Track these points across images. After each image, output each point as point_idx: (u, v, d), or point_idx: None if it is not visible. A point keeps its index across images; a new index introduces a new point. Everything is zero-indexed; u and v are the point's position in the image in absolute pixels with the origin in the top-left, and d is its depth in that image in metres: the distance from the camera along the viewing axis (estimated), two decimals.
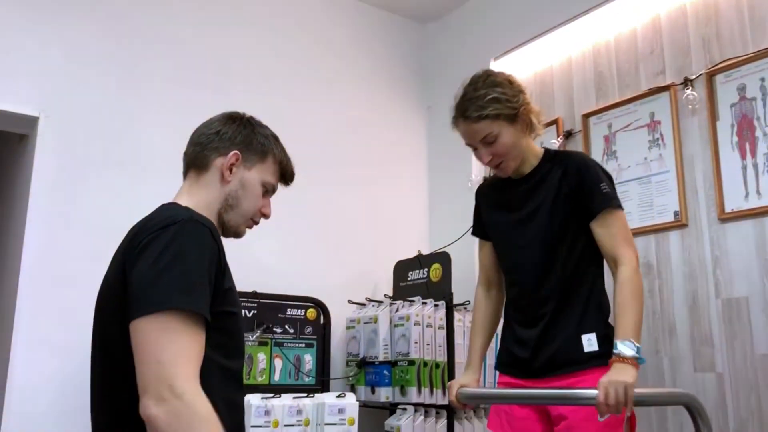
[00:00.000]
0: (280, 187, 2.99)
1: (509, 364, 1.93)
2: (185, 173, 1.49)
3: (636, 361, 1.61)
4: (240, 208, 1.45)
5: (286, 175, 1.54)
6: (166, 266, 1.19)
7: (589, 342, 1.79)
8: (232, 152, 1.42)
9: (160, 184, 2.63)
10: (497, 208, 2.00)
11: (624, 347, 1.63)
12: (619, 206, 1.82)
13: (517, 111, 1.84)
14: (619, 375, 1.58)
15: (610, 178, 1.87)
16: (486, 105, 1.80)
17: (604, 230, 1.80)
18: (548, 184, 1.88)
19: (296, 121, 3.05)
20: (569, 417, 1.77)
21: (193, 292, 1.19)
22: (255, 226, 2.86)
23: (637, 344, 1.62)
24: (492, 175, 2.05)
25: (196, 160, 1.44)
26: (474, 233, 2.12)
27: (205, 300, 1.22)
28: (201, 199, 1.41)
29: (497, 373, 2.02)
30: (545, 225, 1.86)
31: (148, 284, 1.19)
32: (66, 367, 2.30)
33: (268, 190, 1.51)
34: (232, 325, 1.34)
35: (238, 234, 1.49)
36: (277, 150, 1.51)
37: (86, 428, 1.28)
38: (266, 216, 1.52)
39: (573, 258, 1.85)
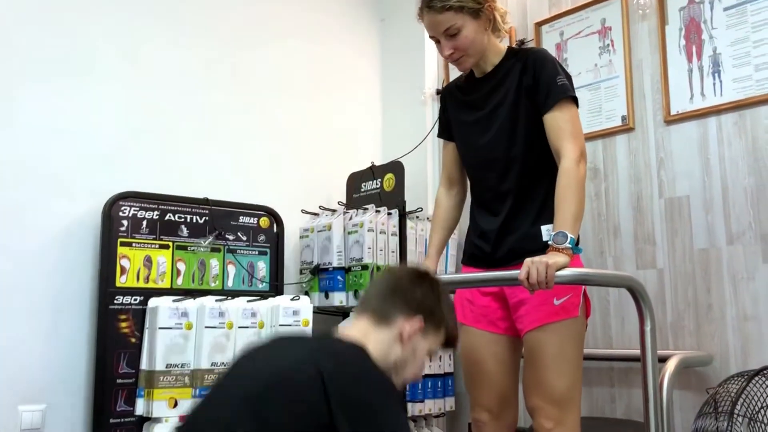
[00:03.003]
0: (230, 100, 2.94)
1: (472, 256, 1.98)
2: (362, 313, 1.46)
3: (570, 251, 1.66)
4: (402, 373, 1.43)
5: (448, 341, 1.53)
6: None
7: (548, 232, 1.83)
8: (417, 318, 1.42)
9: (104, 86, 2.57)
10: (462, 108, 2.00)
11: (558, 237, 1.67)
12: (572, 99, 1.83)
13: (481, 6, 1.84)
14: (544, 257, 1.62)
15: (567, 74, 1.88)
16: None
17: (552, 123, 1.81)
18: (509, 80, 1.89)
19: (246, 31, 2.97)
20: (527, 302, 1.83)
21: None
22: (206, 135, 2.86)
23: (571, 235, 1.67)
24: (457, 77, 2.06)
25: (381, 310, 1.44)
26: (439, 135, 2.13)
27: None
28: (378, 354, 1.36)
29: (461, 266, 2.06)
30: (506, 120, 1.88)
31: None
32: (9, 268, 2.25)
33: (429, 356, 1.50)
34: None
35: None
36: (450, 320, 1.51)
37: None
38: (417, 378, 1.52)
39: (534, 152, 1.87)
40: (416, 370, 1.47)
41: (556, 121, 1.81)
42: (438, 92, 3.16)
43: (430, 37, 1.91)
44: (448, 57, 1.89)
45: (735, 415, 1.55)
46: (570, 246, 1.66)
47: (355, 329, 1.43)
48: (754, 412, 1.57)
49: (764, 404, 1.59)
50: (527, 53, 1.91)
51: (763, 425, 1.53)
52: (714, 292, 2.23)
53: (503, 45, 1.97)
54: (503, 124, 1.88)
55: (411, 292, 1.45)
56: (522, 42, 2.83)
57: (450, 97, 2.07)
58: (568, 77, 1.86)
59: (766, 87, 2.18)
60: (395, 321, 1.41)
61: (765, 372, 1.64)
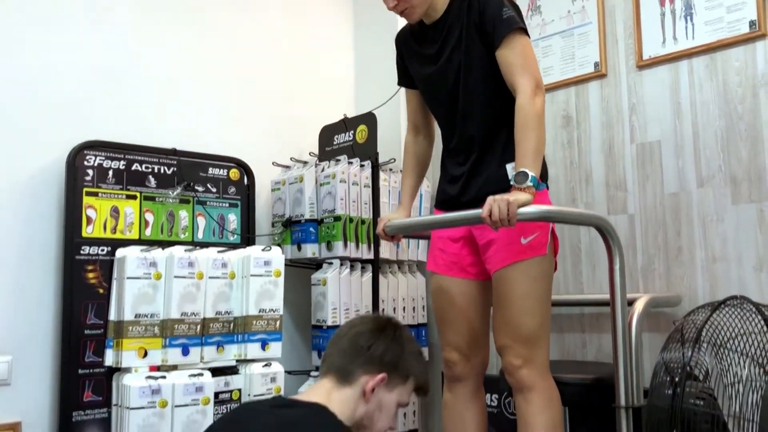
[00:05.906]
0: (200, 48, 2.87)
1: (443, 201, 1.98)
2: (325, 373, 1.47)
3: (532, 189, 1.65)
4: (373, 428, 1.44)
5: (420, 390, 1.55)
6: None
7: (513, 169, 1.82)
8: (380, 375, 1.44)
9: (68, 32, 2.49)
10: (419, 60, 1.97)
11: (519, 177, 1.66)
12: (521, 30, 1.77)
13: None
14: (506, 195, 1.61)
15: (515, 5, 1.83)
16: None
17: (503, 59, 1.77)
18: (459, 24, 1.85)
19: None
20: (495, 242, 1.83)
21: None
22: (175, 84, 2.79)
23: (531, 173, 1.65)
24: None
25: (342, 370, 1.45)
26: (399, 83, 2.10)
27: None
28: (343, 412, 1.38)
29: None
30: (462, 66, 1.85)
31: None
32: None
33: (401, 406, 1.51)
34: None
35: None
36: (419, 371, 1.52)
37: None
38: (392, 430, 1.51)
39: (494, 93, 1.84)
40: (388, 423, 1.48)
41: (506, 56, 1.77)
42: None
43: None
44: (393, 9, 1.85)
45: (700, 342, 1.56)
46: (532, 184, 1.65)
47: (319, 390, 1.45)
48: (724, 341, 1.58)
49: (732, 334, 1.60)
50: None
51: (729, 352, 1.54)
52: (684, 235, 2.24)
53: None
54: (459, 70, 1.85)
55: (373, 348, 1.46)
56: None
57: (405, 45, 2.03)
58: (516, 8, 1.81)
59: (737, 29, 2.17)
60: (358, 379, 1.43)
61: (729, 302, 1.66)
